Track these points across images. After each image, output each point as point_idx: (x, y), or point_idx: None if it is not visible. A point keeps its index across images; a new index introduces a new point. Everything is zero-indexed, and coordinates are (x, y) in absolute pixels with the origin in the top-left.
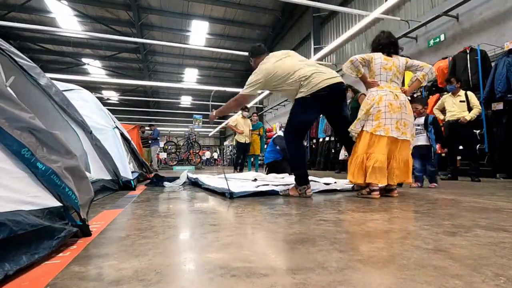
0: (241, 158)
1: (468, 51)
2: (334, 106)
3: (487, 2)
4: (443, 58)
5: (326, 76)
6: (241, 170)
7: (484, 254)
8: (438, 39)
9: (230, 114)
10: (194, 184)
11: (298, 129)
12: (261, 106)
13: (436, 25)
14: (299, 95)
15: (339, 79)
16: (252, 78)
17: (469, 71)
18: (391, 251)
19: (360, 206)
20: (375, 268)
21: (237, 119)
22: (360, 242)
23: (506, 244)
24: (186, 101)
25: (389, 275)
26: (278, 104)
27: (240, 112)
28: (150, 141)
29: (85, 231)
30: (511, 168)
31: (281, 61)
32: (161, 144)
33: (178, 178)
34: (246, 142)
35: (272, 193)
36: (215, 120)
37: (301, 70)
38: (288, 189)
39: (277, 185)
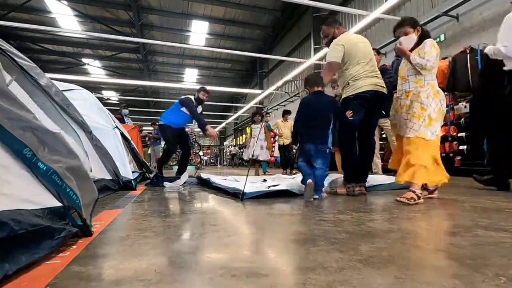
0: (284, 158)
1: (468, 51)
2: (368, 111)
3: (487, 2)
4: (443, 58)
5: (371, 81)
6: (291, 170)
7: (484, 254)
8: (438, 39)
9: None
10: (203, 183)
11: (346, 128)
12: (261, 106)
13: (436, 25)
14: (344, 95)
15: (384, 90)
16: (333, 47)
17: (469, 71)
18: (391, 251)
19: (360, 206)
20: (375, 268)
21: (277, 123)
22: (360, 242)
23: (506, 244)
24: None
25: (389, 275)
26: (278, 104)
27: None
28: (149, 141)
29: (85, 231)
30: (511, 168)
31: (354, 45)
32: (162, 144)
33: (178, 178)
34: (285, 144)
35: (285, 193)
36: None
37: (356, 67)
38: (336, 187)
39: (289, 184)
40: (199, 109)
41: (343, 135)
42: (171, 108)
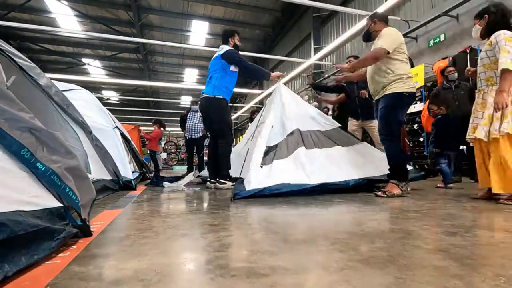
0: None
1: (468, 51)
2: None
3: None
4: (443, 58)
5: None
6: None
7: (484, 254)
8: (438, 39)
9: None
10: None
11: (396, 126)
12: (261, 106)
13: (436, 25)
14: (395, 89)
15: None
16: (389, 36)
17: None
18: (391, 251)
19: (360, 206)
20: (375, 268)
21: None
22: (360, 242)
23: (506, 244)
24: (186, 101)
25: (389, 275)
26: None
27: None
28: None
29: (85, 231)
30: None
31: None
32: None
33: (179, 178)
34: None
35: (285, 193)
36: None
37: (407, 65)
38: (382, 190)
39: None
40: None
41: (393, 135)
42: (214, 71)
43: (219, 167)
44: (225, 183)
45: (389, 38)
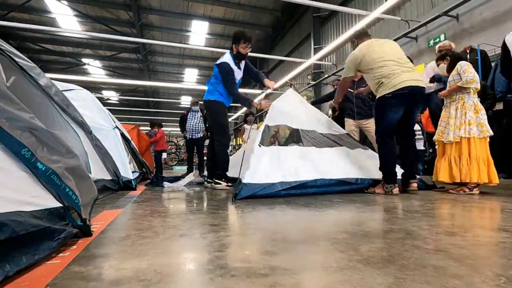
0: None
1: (468, 51)
2: (407, 107)
3: (487, 2)
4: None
5: (407, 77)
6: None
7: (484, 254)
8: (438, 39)
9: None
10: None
11: (385, 128)
12: None
13: (436, 25)
14: (379, 94)
15: (421, 83)
16: (346, 63)
17: None
18: (391, 251)
19: (359, 206)
20: (375, 268)
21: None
22: (360, 242)
23: (506, 244)
24: (186, 101)
25: (389, 275)
26: None
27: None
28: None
29: (85, 231)
30: (511, 168)
31: (370, 49)
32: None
33: (179, 178)
34: None
35: (283, 194)
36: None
37: (383, 68)
38: (373, 187)
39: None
40: (239, 73)
41: (382, 135)
42: (213, 76)
43: (216, 167)
44: (220, 183)
45: (346, 65)
